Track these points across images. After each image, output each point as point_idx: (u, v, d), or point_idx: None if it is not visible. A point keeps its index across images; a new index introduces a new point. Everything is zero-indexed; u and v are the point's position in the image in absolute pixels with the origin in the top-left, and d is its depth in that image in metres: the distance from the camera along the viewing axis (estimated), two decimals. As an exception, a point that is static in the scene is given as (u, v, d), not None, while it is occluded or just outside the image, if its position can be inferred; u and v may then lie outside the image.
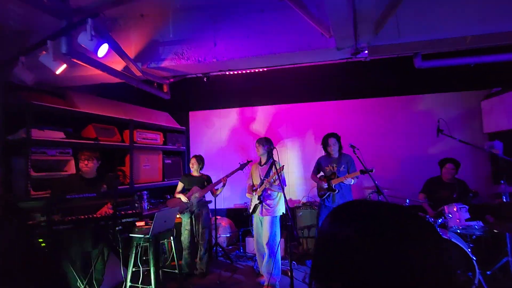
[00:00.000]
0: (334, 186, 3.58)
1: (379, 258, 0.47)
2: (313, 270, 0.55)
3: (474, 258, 2.80)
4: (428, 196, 3.71)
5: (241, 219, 5.04)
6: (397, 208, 0.55)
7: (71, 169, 3.36)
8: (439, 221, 3.16)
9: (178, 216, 3.91)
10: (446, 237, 2.91)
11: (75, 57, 2.47)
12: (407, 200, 3.40)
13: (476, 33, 2.57)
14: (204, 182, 3.95)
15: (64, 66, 2.76)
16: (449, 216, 3.16)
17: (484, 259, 3.19)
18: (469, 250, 2.88)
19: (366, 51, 2.87)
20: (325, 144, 3.75)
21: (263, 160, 3.55)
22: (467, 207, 3.16)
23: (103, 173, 3.16)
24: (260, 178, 3.49)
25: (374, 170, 3.20)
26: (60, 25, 2.45)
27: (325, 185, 3.61)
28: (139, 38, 3.18)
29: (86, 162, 2.92)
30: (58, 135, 3.29)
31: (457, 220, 3.12)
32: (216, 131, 5.65)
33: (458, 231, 3.11)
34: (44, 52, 2.61)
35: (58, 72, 2.72)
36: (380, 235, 0.49)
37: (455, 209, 3.15)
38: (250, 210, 3.57)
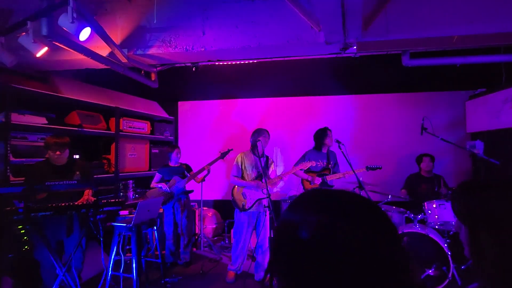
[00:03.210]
0: (329, 182, 3.49)
1: (333, 251, 0.46)
2: (273, 266, 0.52)
3: (449, 253, 2.89)
4: (409, 192, 3.80)
5: (227, 210, 5.05)
6: (356, 198, 0.53)
7: (53, 155, 3.29)
8: (419, 217, 3.25)
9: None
10: (424, 232, 3.00)
11: (57, 40, 2.39)
12: (389, 196, 3.47)
13: (462, 34, 2.61)
14: (184, 172, 3.92)
15: (46, 49, 2.66)
16: (429, 213, 3.25)
17: (460, 254, 3.30)
18: (446, 245, 2.98)
19: (355, 47, 2.88)
20: (323, 136, 3.53)
21: (261, 152, 3.33)
22: (445, 203, 3.25)
23: (73, 159, 3.06)
24: (257, 169, 3.37)
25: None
26: (41, 5, 2.35)
27: (318, 181, 3.47)
28: (126, 24, 3.09)
29: (58, 153, 2.78)
30: (39, 121, 3.19)
31: (436, 217, 3.21)
32: (205, 121, 5.60)
33: (436, 227, 3.22)
34: (23, 33, 2.51)
35: (38, 55, 2.63)
36: (334, 227, 0.47)
37: (434, 206, 3.25)
38: (250, 205, 3.33)
